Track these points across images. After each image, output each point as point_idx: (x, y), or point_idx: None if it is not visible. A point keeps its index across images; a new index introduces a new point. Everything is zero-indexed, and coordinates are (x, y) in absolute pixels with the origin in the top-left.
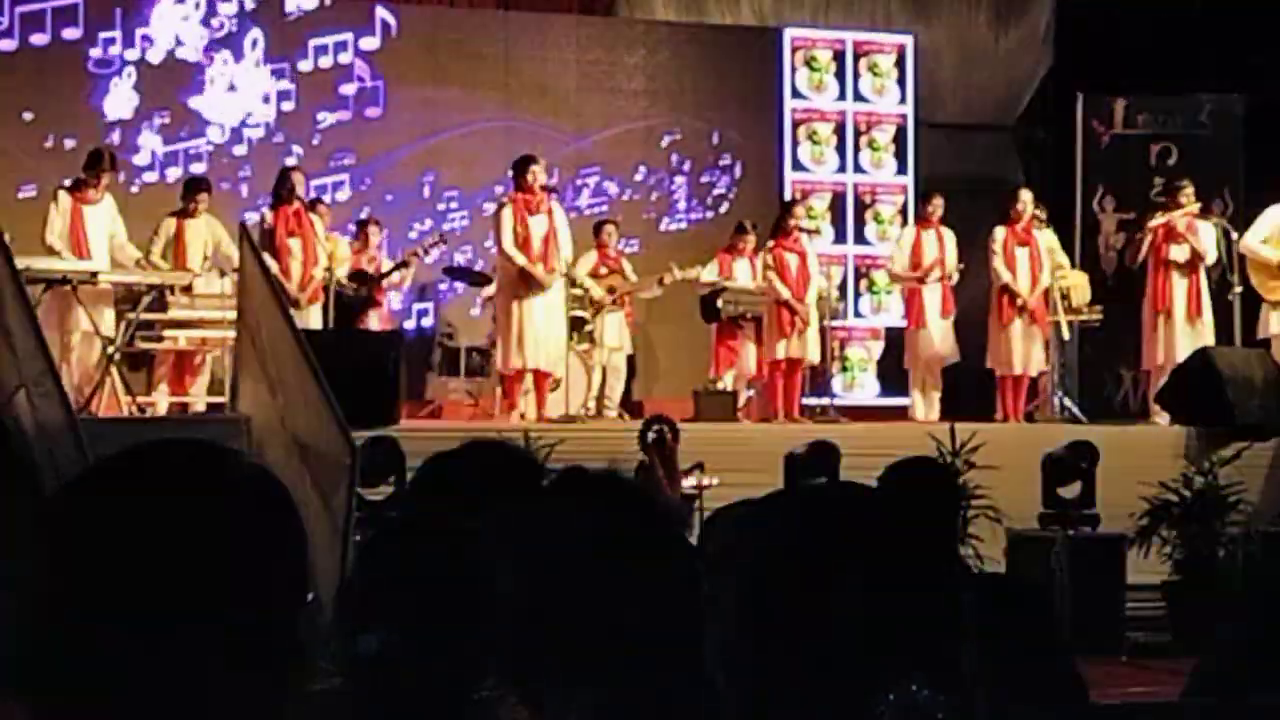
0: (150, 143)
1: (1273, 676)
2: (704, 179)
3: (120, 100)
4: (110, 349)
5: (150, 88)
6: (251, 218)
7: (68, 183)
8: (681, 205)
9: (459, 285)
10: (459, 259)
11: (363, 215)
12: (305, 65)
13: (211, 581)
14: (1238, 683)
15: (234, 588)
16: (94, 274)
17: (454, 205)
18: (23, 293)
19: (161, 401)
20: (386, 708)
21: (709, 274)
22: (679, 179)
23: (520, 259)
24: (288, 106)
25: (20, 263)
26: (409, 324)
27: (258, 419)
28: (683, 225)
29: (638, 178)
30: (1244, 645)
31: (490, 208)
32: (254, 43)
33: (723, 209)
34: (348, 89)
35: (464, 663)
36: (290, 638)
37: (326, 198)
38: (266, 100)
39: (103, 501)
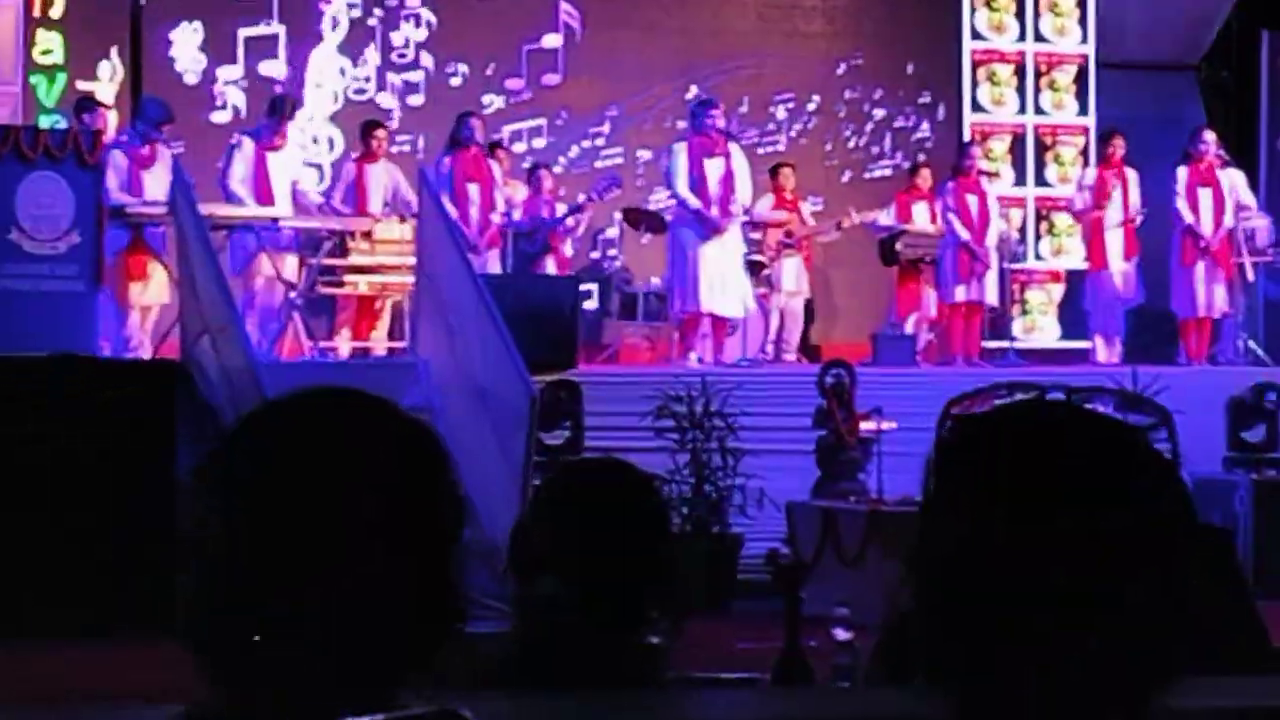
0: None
1: None
2: (898, 124)
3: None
4: (292, 294)
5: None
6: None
7: (250, 130)
8: (873, 151)
9: (630, 232)
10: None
11: (526, 164)
12: None
13: (363, 527)
14: None
15: (385, 535)
16: (276, 220)
17: (630, 150)
18: (206, 239)
19: (343, 346)
20: (558, 649)
21: (886, 217)
22: (865, 123)
23: (694, 201)
24: (459, 47)
25: (203, 209)
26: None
27: (437, 363)
28: (887, 172)
29: (817, 122)
30: None
31: (649, 155)
32: None
33: (920, 157)
34: (552, 39)
35: (634, 607)
36: (442, 584)
37: (519, 145)
38: (426, 44)
39: (255, 452)
